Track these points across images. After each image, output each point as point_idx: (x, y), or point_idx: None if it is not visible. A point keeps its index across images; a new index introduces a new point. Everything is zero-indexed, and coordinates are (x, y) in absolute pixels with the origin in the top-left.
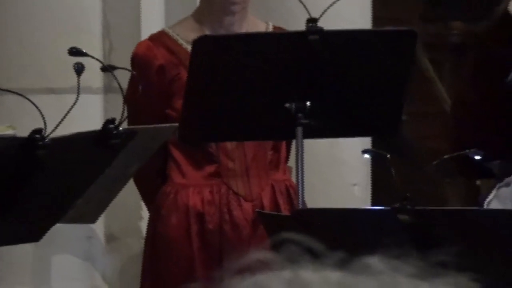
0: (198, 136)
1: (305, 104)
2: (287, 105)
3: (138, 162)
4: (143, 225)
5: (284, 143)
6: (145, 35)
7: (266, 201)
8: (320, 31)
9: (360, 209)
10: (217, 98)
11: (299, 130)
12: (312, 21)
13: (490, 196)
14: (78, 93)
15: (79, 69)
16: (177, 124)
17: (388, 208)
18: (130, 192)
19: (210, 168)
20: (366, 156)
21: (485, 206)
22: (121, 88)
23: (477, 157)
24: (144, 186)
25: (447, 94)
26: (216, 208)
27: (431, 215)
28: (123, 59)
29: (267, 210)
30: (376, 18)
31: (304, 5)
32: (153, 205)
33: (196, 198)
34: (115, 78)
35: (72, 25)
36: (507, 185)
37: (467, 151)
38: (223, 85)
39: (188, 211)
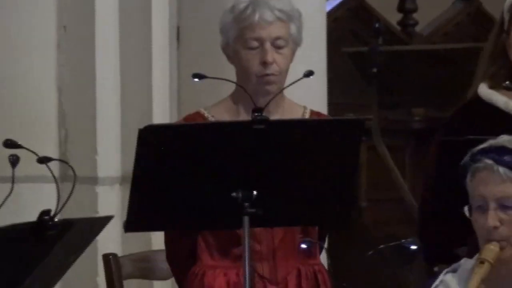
0: (144, 226)
1: (252, 193)
2: (233, 194)
3: (76, 252)
4: None
5: (316, 227)
6: (100, 122)
7: (291, 285)
8: (266, 120)
9: None
10: (163, 187)
11: (246, 219)
12: (258, 110)
13: (436, 282)
14: (13, 184)
15: (14, 161)
16: (113, 215)
17: None
18: None
19: (237, 251)
20: (303, 246)
21: None
22: (55, 178)
23: (413, 247)
24: (176, 267)
25: (408, 179)
26: None
27: None
28: (78, 148)
29: None
30: (334, 104)
31: (250, 96)
32: (184, 286)
33: (222, 280)
34: (50, 169)
35: (28, 114)
36: (454, 271)
37: (403, 241)
38: (170, 174)
39: None
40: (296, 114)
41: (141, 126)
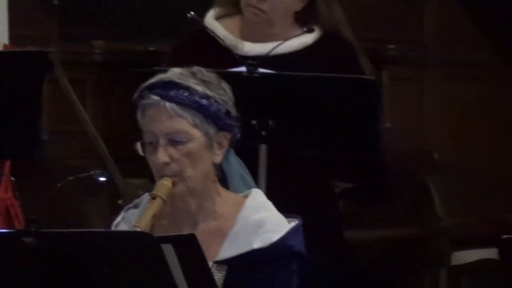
0: None
1: None
2: None
3: None
4: None
5: (8, 162)
6: None
7: None
8: None
9: None
10: None
11: None
12: None
13: (118, 218)
14: None
15: None
16: None
17: (12, 230)
18: None
19: None
20: None
21: (112, 228)
22: None
23: (102, 179)
24: None
25: (90, 112)
26: None
27: (55, 238)
28: None
29: None
30: (14, 37)
31: None
32: None
33: None
34: None
35: None
36: (136, 206)
37: (92, 172)
38: None
39: None
40: None
41: None
